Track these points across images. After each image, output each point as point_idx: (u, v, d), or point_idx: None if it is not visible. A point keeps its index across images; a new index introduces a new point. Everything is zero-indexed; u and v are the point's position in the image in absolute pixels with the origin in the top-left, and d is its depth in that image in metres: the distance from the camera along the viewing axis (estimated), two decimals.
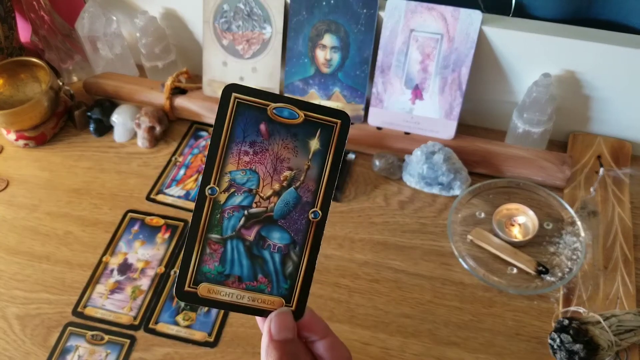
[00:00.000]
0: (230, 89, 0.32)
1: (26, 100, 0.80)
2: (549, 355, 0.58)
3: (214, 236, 0.33)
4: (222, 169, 0.33)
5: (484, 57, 0.72)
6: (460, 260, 0.65)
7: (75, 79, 0.93)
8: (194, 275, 0.33)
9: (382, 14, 0.72)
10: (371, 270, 0.66)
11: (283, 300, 0.33)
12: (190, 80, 0.85)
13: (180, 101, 0.83)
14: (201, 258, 0.33)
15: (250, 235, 0.33)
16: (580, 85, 0.72)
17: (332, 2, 0.73)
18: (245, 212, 0.33)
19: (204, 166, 0.33)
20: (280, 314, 0.33)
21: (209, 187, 0.33)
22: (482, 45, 0.71)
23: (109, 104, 0.85)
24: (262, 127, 0.33)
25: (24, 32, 0.90)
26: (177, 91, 0.84)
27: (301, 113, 0.33)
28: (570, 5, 0.72)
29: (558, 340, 0.56)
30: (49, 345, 0.62)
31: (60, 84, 0.85)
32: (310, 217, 0.33)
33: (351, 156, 0.79)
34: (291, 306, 0.34)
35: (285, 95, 0.32)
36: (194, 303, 0.34)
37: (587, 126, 0.77)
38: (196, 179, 0.78)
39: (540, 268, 0.64)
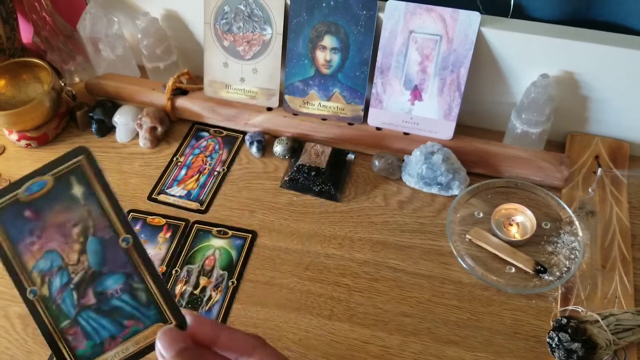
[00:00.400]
0: None
1: (28, 101, 0.80)
2: (547, 354, 0.58)
3: (65, 323, 0.33)
4: (25, 270, 0.33)
5: (482, 58, 0.73)
6: (459, 259, 0.66)
7: (77, 79, 0.94)
8: None
9: (381, 15, 0.73)
10: (371, 270, 0.67)
11: (161, 324, 0.34)
12: (191, 81, 0.86)
13: (182, 102, 0.84)
14: (70, 347, 0.33)
15: (90, 299, 0.34)
16: (578, 86, 0.73)
17: (332, 3, 0.74)
18: (71, 285, 0.33)
19: (10, 278, 0.33)
20: (164, 332, 0.32)
21: (28, 291, 0.33)
22: (481, 47, 0.72)
23: (110, 104, 0.85)
24: (27, 213, 0.33)
25: (26, 33, 0.91)
26: (179, 92, 0.84)
27: (47, 177, 0.33)
28: (568, 6, 0.72)
29: (556, 339, 0.57)
30: None
31: (62, 84, 0.85)
32: (123, 246, 0.34)
33: (351, 156, 0.79)
34: (170, 322, 0.34)
35: (20, 177, 0.33)
36: None
37: (585, 127, 0.77)
38: (197, 179, 0.78)
39: (539, 267, 0.64)
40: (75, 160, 0.33)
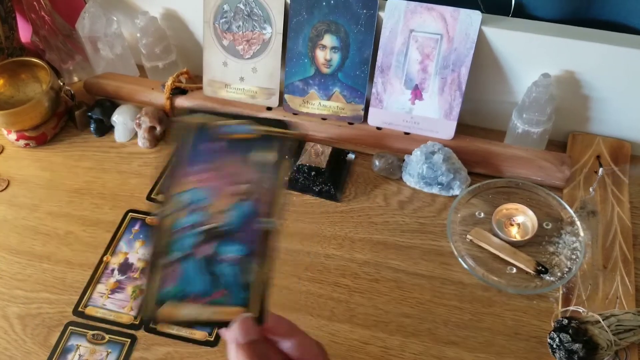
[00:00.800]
0: (182, 114, 0.33)
1: (27, 101, 0.80)
2: (548, 354, 0.58)
3: (172, 257, 0.33)
4: (173, 191, 0.33)
5: (483, 57, 0.73)
6: (460, 260, 0.66)
7: (75, 79, 0.93)
8: (156, 297, 0.34)
9: (381, 14, 0.72)
10: (371, 270, 0.66)
11: (245, 309, 0.34)
12: (190, 81, 0.86)
13: (181, 101, 0.83)
14: (162, 280, 0.33)
15: (206, 251, 0.34)
16: (579, 85, 0.72)
17: (332, 2, 0.74)
18: (199, 229, 0.33)
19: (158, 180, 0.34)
20: (243, 320, 0.33)
21: (161, 210, 0.33)
22: (482, 46, 0.71)
23: (109, 104, 0.85)
24: (220, 144, 0.34)
25: (25, 32, 0.91)
26: (178, 91, 0.84)
27: (256, 127, 0.34)
28: (569, 5, 0.72)
29: (557, 339, 0.56)
30: (49, 345, 0.62)
31: (61, 84, 0.85)
32: (264, 226, 0.34)
33: (351, 156, 0.79)
34: (252, 313, 0.34)
35: (244, 113, 0.32)
36: (157, 323, 0.34)
37: (587, 126, 0.77)
38: None
39: (540, 268, 0.64)
40: (287, 132, 0.34)
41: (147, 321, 0.33)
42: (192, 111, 0.33)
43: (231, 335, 0.33)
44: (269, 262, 0.34)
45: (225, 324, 0.33)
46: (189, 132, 0.33)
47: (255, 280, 0.34)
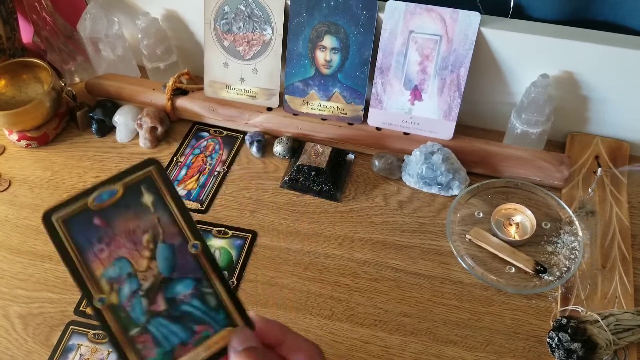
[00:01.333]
0: (48, 215, 0.32)
1: (28, 101, 0.80)
2: (547, 353, 0.58)
3: (135, 331, 0.33)
4: (94, 277, 0.33)
5: (482, 58, 0.73)
6: (459, 259, 0.66)
7: (77, 79, 0.94)
8: None
9: (381, 15, 0.73)
10: (371, 270, 0.67)
11: (231, 329, 0.34)
12: (191, 81, 0.86)
13: (182, 102, 0.84)
14: (141, 356, 0.33)
15: (161, 305, 0.34)
16: (578, 86, 0.73)
17: (332, 3, 0.74)
18: (140, 292, 0.33)
19: (77, 286, 0.33)
20: (237, 332, 0.33)
21: (97, 299, 0.33)
22: (481, 47, 0.72)
23: (111, 104, 0.86)
24: (97, 221, 0.33)
25: (26, 33, 0.91)
26: (179, 92, 0.84)
27: (117, 186, 0.33)
28: (568, 6, 0.72)
29: (556, 339, 0.57)
30: (51, 344, 0.62)
31: (63, 84, 0.85)
32: (192, 252, 0.34)
33: (351, 156, 0.79)
34: (239, 325, 0.34)
35: (93, 184, 0.33)
36: None
37: (585, 127, 0.77)
38: (197, 179, 0.78)
39: (539, 267, 0.64)
40: (145, 170, 0.34)
41: None
42: (54, 209, 0.33)
43: (231, 349, 0.33)
44: (219, 275, 0.34)
45: (224, 350, 0.34)
46: (69, 224, 0.33)
47: (220, 298, 0.34)
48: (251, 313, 0.34)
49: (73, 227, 0.33)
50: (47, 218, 0.32)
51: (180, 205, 0.34)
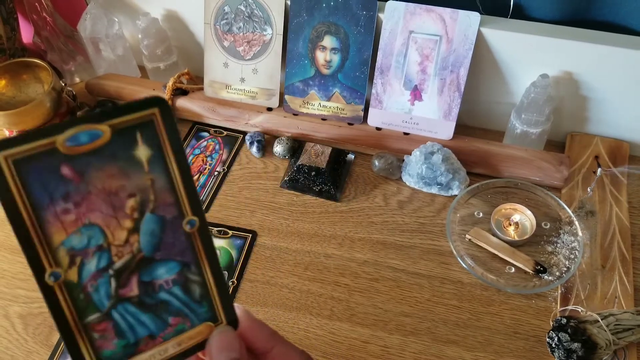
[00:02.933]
0: None
1: (28, 101, 0.80)
2: (547, 353, 0.59)
3: (93, 317, 0.27)
4: (49, 245, 0.25)
5: (482, 58, 0.73)
6: (459, 259, 0.66)
7: (77, 80, 0.94)
8: None
9: (381, 15, 0.73)
10: (370, 270, 0.67)
11: (210, 324, 0.29)
12: (191, 81, 0.86)
13: (182, 102, 0.84)
14: (94, 347, 0.27)
15: (132, 289, 0.27)
16: (578, 86, 0.73)
17: (332, 4, 0.74)
18: (110, 271, 0.26)
19: (24, 254, 0.25)
20: (219, 335, 0.28)
21: (48, 274, 0.25)
22: (481, 47, 0.72)
23: (111, 104, 0.86)
24: (65, 170, 0.24)
25: (26, 33, 0.91)
26: (179, 92, 0.84)
27: (104, 127, 0.24)
28: (568, 6, 0.72)
29: (556, 338, 0.57)
30: (51, 344, 0.62)
31: (63, 85, 0.85)
32: (186, 229, 0.27)
33: (350, 156, 0.79)
34: (221, 322, 0.29)
35: (79, 115, 0.25)
36: None
37: (585, 127, 0.78)
38: (197, 179, 0.78)
39: (538, 267, 0.64)
40: (146, 111, 0.25)
41: None
42: (5, 143, 0.23)
43: (208, 354, 0.28)
44: (213, 262, 0.28)
45: (198, 347, 0.29)
46: (22, 168, 0.23)
47: (207, 290, 0.28)
48: (240, 309, 0.30)
49: (29, 173, 0.24)
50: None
51: (184, 168, 0.26)
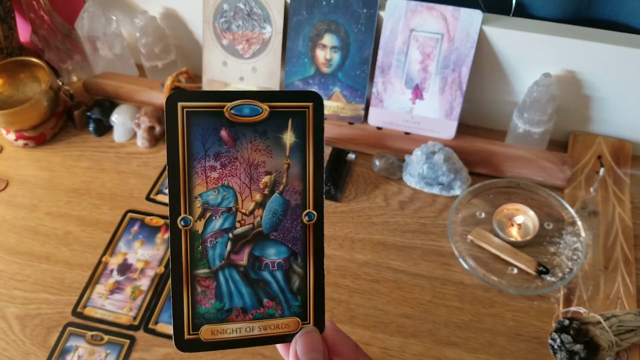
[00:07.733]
0: (174, 98, 0.27)
1: (26, 100, 0.80)
2: (549, 355, 0.58)
3: (201, 271, 0.29)
4: (190, 193, 0.28)
5: (484, 57, 0.72)
6: (461, 260, 0.65)
7: (75, 78, 0.93)
8: (191, 321, 0.29)
9: (382, 13, 0.72)
10: (371, 271, 0.66)
11: (298, 320, 0.30)
12: (190, 80, 0.85)
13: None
14: (194, 299, 0.29)
15: (243, 259, 0.29)
16: (580, 85, 0.72)
17: (332, 1, 0.73)
18: (230, 235, 0.29)
19: (169, 192, 0.27)
20: (306, 334, 0.29)
21: (180, 218, 0.28)
22: (483, 45, 0.71)
23: (108, 103, 0.85)
24: (224, 133, 0.28)
25: (24, 32, 0.90)
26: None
27: (264, 106, 0.28)
28: (570, 5, 0.72)
29: (558, 340, 0.56)
30: (48, 346, 0.62)
31: (60, 83, 0.85)
32: (304, 220, 0.29)
33: (351, 156, 0.79)
34: (308, 322, 0.30)
35: (241, 89, 0.29)
36: (199, 350, 0.29)
37: (588, 126, 0.77)
38: None
39: (541, 268, 0.64)
40: (302, 103, 0.28)
41: (185, 350, 0.28)
42: (185, 95, 0.27)
43: (292, 351, 0.29)
44: (318, 260, 0.29)
45: (279, 338, 0.29)
46: (191, 120, 0.27)
47: (306, 285, 0.30)
48: (328, 320, 0.30)
49: (195, 125, 0.27)
50: (172, 100, 0.27)
51: (319, 163, 0.28)
